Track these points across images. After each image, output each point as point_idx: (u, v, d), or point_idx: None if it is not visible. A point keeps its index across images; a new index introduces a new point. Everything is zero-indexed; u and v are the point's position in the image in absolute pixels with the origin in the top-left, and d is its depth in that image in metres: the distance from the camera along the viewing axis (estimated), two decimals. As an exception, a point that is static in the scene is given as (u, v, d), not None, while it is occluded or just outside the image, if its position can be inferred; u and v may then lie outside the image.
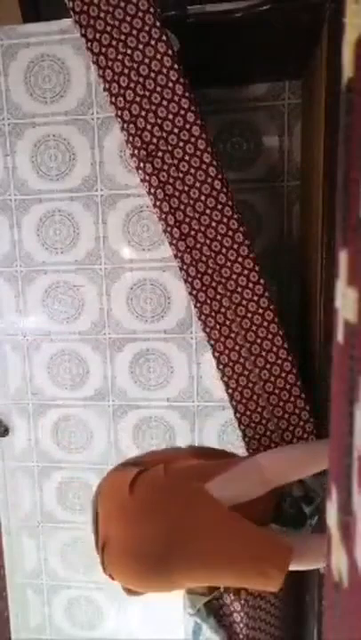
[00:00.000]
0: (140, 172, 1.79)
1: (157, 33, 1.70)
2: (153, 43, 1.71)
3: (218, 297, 1.82)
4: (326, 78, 1.73)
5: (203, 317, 1.84)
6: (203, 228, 1.78)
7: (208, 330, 1.84)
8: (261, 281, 1.80)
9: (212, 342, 1.86)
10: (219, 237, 1.79)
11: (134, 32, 1.70)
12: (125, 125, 1.75)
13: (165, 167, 1.76)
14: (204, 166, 1.76)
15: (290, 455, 1.71)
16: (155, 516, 1.42)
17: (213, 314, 1.83)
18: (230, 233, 1.79)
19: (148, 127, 1.75)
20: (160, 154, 1.76)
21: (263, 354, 1.84)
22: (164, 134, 1.75)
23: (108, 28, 1.71)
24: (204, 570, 1.44)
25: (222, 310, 1.82)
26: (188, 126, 1.74)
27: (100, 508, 1.50)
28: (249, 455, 1.82)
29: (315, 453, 1.62)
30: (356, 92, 0.51)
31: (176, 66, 1.71)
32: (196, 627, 1.77)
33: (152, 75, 1.72)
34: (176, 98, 1.73)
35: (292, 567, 1.43)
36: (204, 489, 1.43)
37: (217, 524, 1.40)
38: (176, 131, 1.75)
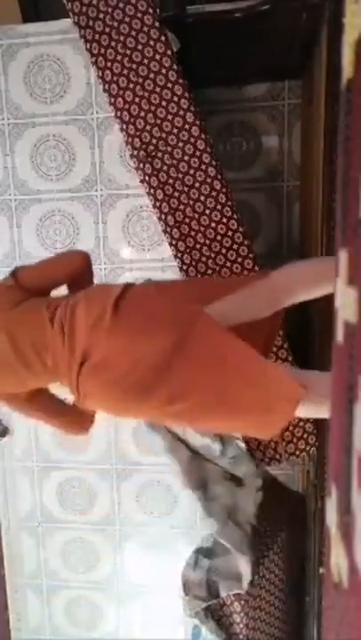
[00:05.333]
0: (139, 172, 1.79)
1: (156, 33, 1.70)
2: (152, 43, 1.71)
3: (218, 297, 1.82)
4: (326, 78, 1.73)
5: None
6: (202, 229, 1.79)
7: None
8: (261, 281, 1.80)
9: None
10: (218, 238, 1.79)
11: (133, 33, 1.71)
12: (125, 126, 1.76)
13: (165, 168, 1.76)
14: (203, 166, 1.76)
15: (302, 268, 1.52)
16: (144, 337, 1.26)
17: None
18: (230, 233, 1.79)
19: (148, 128, 1.75)
20: (159, 154, 1.76)
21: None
22: (164, 135, 1.75)
23: (107, 30, 1.71)
24: (198, 395, 1.26)
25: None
26: (187, 127, 1.74)
27: (76, 319, 1.30)
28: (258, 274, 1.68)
29: (327, 267, 1.36)
30: (356, 92, 0.51)
31: (175, 66, 1.71)
32: (195, 628, 1.77)
33: (151, 75, 1.72)
34: (175, 98, 1.73)
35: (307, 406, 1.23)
36: (204, 312, 1.29)
37: (217, 347, 1.27)
38: (175, 131, 1.75)
